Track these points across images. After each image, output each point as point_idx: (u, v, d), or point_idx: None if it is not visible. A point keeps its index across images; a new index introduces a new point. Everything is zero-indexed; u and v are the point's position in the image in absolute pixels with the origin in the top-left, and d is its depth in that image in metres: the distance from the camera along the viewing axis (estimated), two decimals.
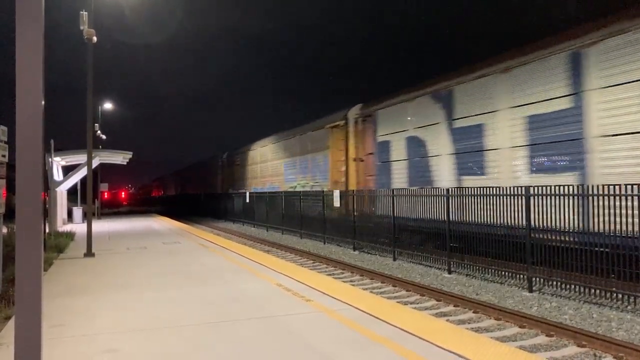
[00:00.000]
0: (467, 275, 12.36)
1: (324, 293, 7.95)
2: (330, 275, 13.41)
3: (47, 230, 18.63)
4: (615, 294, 8.97)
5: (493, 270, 11.61)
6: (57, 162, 26.55)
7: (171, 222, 30.13)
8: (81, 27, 13.88)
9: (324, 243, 20.59)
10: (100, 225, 26.37)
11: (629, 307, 8.78)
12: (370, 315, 6.53)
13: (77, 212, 30.24)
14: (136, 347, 5.43)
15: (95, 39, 14.07)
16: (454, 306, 9.70)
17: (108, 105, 41.12)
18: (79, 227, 23.85)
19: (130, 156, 28.58)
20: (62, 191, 26.67)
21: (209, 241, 17.13)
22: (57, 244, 15.36)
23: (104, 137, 41.61)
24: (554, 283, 10.16)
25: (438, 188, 14.24)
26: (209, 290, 8.45)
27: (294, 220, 24.60)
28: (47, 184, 22.93)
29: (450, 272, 12.76)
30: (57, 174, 26.30)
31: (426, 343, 5.32)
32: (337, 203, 19.54)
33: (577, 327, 7.76)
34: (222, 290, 8.47)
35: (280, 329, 5.99)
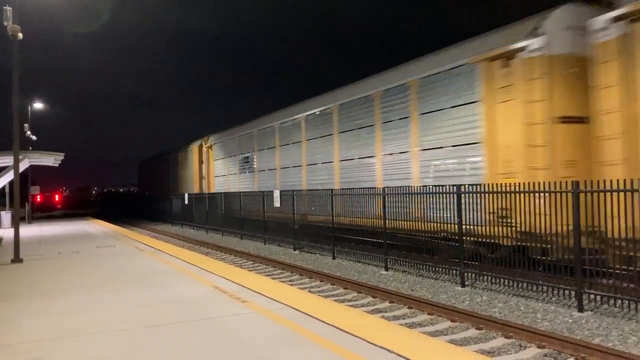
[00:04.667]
0: (403, 271, 12.63)
1: (260, 294, 7.94)
2: (269, 275, 13.40)
3: None
4: (541, 287, 9.39)
5: (428, 267, 11.92)
6: None
7: (107, 225, 29.23)
8: (5, 23, 13.27)
9: (265, 243, 20.53)
10: (32, 230, 25.31)
11: (553, 299, 9.21)
12: (306, 314, 6.57)
13: (6, 216, 28.86)
14: (63, 355, 5.25)
15: (21, 35, 13.47)
16: (390, 302, 9.89)
17: (41, 105, 39.49)
18: (8, 232, 22.78)
19: (62, 158, 27.55)
20: None
21: (145, 244, 16.74)
22: None
23: (34, 138, 39.90)
24: (485, 278, 10.53)
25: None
26: (143, 294, 8.27)
27: (235, 221, 24.41)
28: None
29: (387, 269, 13.00)
30: None
31: (358, 340, 5.40)
32: (277, 203, 19.53)
33: (505, 320, 8.08)
34: (156, 293, 8.31)
35: (215, 330, 5.94)
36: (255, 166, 25.08)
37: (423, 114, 13.89)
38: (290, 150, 21.57)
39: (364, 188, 15.00)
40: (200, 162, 33.14)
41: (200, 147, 32.93)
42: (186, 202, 31.96)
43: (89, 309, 7.39)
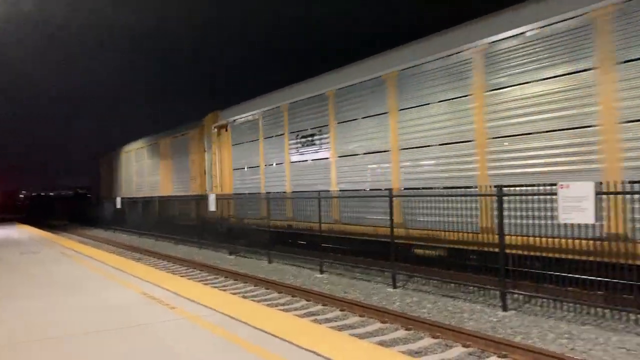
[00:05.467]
0: (338, 274, 12.73)
1: (190, 300, 7.79)
2: (202, 281, 13.18)
3: None
4: (468, 287, 9.70)
5: (362, 269, 12.07)
6: None
7: (34, 230, 27.97)
8: None
9: (200, 248, 20.21)
10: None
11: (480, 299, 9.52)
12: (236, 319, 6.50)
13: None
14: None
15: None
16: (323, 305, 9.93)
17: None
18: None
19: None
20: None
21: (73, 250, 16.11)
22: None
23: None
24: (416, 279, 10.77)
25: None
26: (67, 302, 7.94)
27: (169, 226, 23.90)
28: None
29: (322, 272, 13.06)
30: None
31: (287, 343, 5.39)
32: (212, 207, 19.24)
33: (433, 320, 8.26)
34: (81, 301, 8.00)
35: (140, 338, 5.78)
36: (330, 147, 14.32)
37: None
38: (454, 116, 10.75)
39: (309, 192, 15.00)
40: (202, 151, 22.59)
41: (202, 129, 22.41)
42: (118, 206, 31.01)
43: (6, 318, 7.02)
